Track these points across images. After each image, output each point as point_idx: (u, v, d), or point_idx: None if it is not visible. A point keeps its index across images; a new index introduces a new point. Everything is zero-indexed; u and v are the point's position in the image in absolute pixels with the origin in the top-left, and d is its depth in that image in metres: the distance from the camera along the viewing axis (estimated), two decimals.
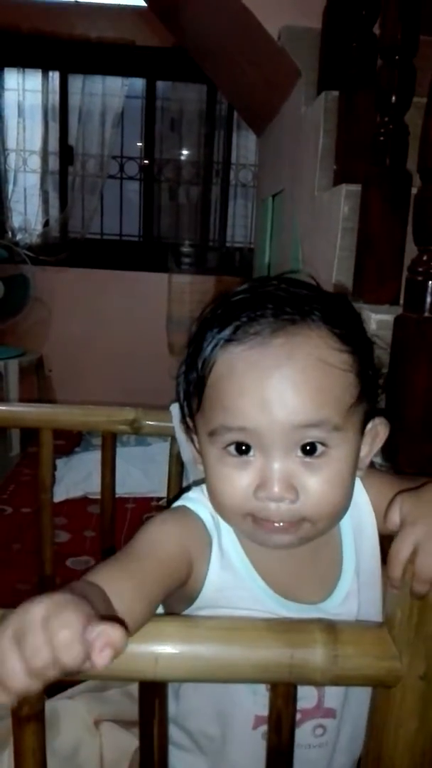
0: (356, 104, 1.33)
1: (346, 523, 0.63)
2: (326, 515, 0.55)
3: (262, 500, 0.53)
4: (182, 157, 3.78)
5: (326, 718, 0.61)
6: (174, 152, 3.76)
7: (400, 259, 1.13)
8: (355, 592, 0.61)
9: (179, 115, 3.68)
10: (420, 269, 0.93)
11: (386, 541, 0.59)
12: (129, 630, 0.41)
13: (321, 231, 1.48)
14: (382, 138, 1.13)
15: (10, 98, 3.55)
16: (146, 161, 3.76)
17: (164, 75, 3.59)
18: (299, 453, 0.53)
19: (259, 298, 0.55)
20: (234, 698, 0.59)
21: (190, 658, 0.47)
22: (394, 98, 1.11)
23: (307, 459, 0.53)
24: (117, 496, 1.22)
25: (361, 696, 0.56)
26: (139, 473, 2.46)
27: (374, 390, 0.59)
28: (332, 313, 0.55)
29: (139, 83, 3.63)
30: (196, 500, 0.62)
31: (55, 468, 2.75)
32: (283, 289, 0.56)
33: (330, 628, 0.47)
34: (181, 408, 0.62)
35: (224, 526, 0.61)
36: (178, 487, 1.13)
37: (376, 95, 1.15)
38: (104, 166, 3.62)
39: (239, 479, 0.54)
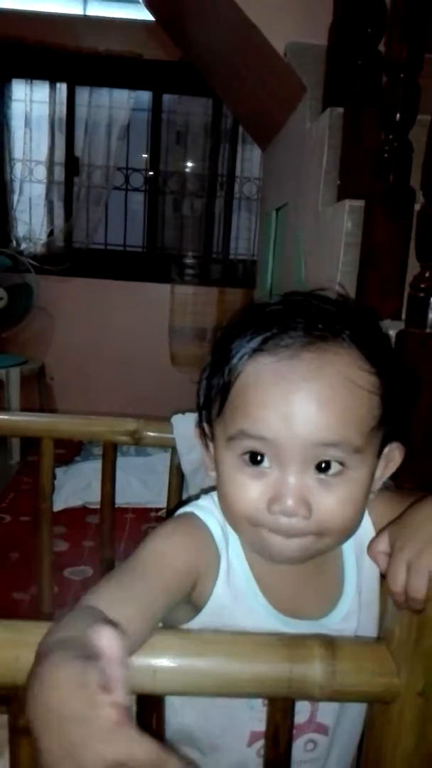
0: (361, 121, 1.34)
1: (348, 543, 0.63)
2: (335, 534, 0.55)
3: (275, 513, 0.53)
4: (187, 170, 3.80)
5: (318, 734, 0.61)
6: (179, 165, 3.78)
7: (403, 274, 1.14)
8: (355, 611, 0.61)
9: (185, 128, 3.71)
10: (422, 285, 0.94)
11: None
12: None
13: (324, 245, 1.49)
14: (386, 155, 1.14)
15: (18, 109, 3.57)
16: (151, 173, 3.79)
17: (170, 88, 3.63)
18: (315, 470, 0.53)
19: (291, 312, 0.56)
20: (230, 713, 0.59)
21: (189, 671, 0.47)
22: (398, 116, 1.12)
23: (323, 476, 0.53)
24: (116, 506, 1.22)
25: (355, 712, 0.56)
26: (139, 484, 2.45)
27: (395, 414, 0.58)
28: (362, 332, 0.56)
29: (145, 96, 3.66)
30: (207, 509, 0.61)
31: (54, 477, 2.75)
32: (315, 306, 0.57)
33: (329, 643, 0.47)
34: (200, 413, 0.61)
35: (233, 538, 0.60)
36: (177, 499, 1.13)
37: (381, 113, 1.16)
38: (109, 178, 3.65)
39: (253, 488, 0.54)
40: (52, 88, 3.55)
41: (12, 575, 1.88)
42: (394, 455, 0.60)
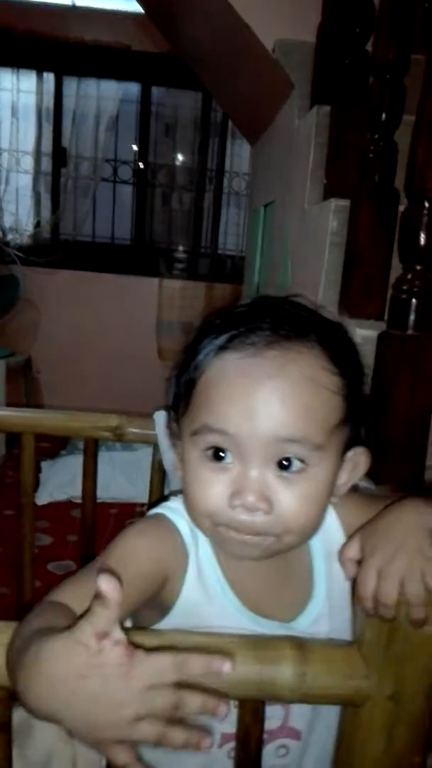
0: (348, 120, 1.35)
1: (317, 548, 0.63)
2: (295, 531, 0.55)
3: (236, 508, 0.53)
4: (176, 163, 3.79)
5: (290, 739, 0.61)
6: (168, 157, 3.77)
7: (387, 275, 1.15)
8: (326, 615, 0.62)
9: (174, 121, 3.70)
10: (404, 287, 0.95)
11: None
12: None
13: (310, 244, 1.49)
14: (371, 155, 1.15)
15: (5, 98, 3.54)
16: (140, 165, 3.77)
17: (159, 80, 3.61)
18: (277, 466, 0.54)
19: (259, 313, 0.57)
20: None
21: None
22: (384, 116, 1.12)
23: (284, 473, 0.54)
24: (101, 501, 1.22)
25: (329, 718, 0.57)
26: (124, 479, 2.45)
27: (359, 418, 0.59)
28: (328, 336, 0.57)
29: (134, 88, 3.64)
30: (176, 510, 0.61)
31: (39, 471, 2.74)
32: (284, 308, 0.58)
33: (299, 645, 0.47)
34: (169, 412, 0.63)
35: (202, 539, 0.61)
36: (159, 494, 1.13)
37: (367, 112, 1.16)
38: (97, 169, 3.63)
39: (215, 484, 0.55)
40: (40, 77, 3.52)
41: None
42: (359, 460, 0.61)
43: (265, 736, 0.52)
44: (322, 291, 1.32)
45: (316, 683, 0.47)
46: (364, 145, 1.17)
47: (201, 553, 0.61)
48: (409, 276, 0.94)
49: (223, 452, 0.54)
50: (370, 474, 0.97)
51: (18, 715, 0.92)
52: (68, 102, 3.57)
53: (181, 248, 3.83)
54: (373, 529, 0.54)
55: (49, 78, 3.56)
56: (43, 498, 2.45)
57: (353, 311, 1.17)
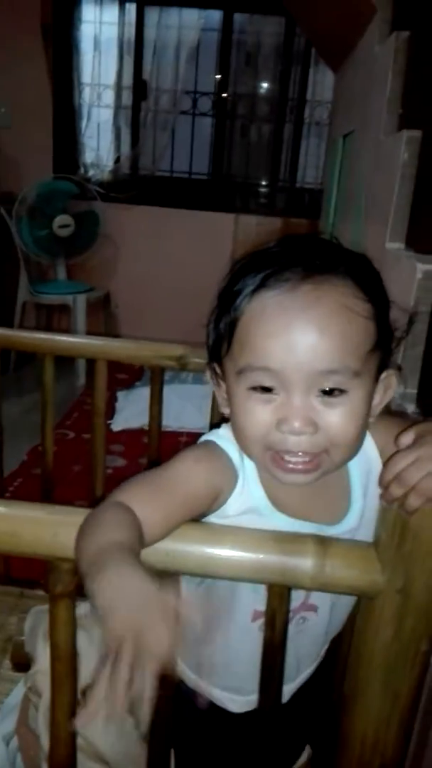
0: (427, 47, 1.29)
1: (354, 468, 0.68)
2: (342, 446, 0.60)
3: (284, 433, 0.58)
4: (256, 93, 3.69)
5: (309, 612, 0.69)
6: (248, 88, 3.68)
7: None
8: (353, 531, 0.67)
9: (255, 49, 3.58)
10: None
11: None
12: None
13: (382, 176, 1.47)
14: None
15: (87, 31, 3.53)
16: (221, 95, 3.70)
17: (242, 7, 3.49)
18: (319, 393, 0.58)
19: (289, 251, 0.61)
20: (236, 594, 0.67)
21: (199, 556, 0.55)
22: None
23: (326, 398, 0.58)
24: (172, 430, 1.30)
25: (344, 599, 0.63)
26: (194, 409, 2.55)
27: (389, 342, 0.63)
28: (356, 267, 0.60)
29: (215, 15, 3.54)
30: (225, 437, 0.66)
31: (116, 399, 2.89)
32: (312, 244, 0.62)
33: (321, 542, 0.54)
34: (209, 352, 0.67)
35: (248, 462, 0.66)
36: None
37: None
38: (177, 102, 3.60)
39: (263, 414, 0.59)
40: (122, 8, 3.48)
41: (74, 485, 2.04)
42: (390, 381, 0.65)
43: (290, 614, 0.59)
44: (390, 226, 1.31)
45: (334, 574, 0.53)
46: None
47: (247, 473, 0.66)
48: None
49: (268, 387, 0.59)
50: (423, 405, 1.00)
51: (88, 604, 1.04)
52: (149, 33, 3.53)
53: (258, 182, 3.78)
54: (428, 429, 0.57)
55: (131, 8, 3.51)
56: (118, 425, 2.60)
57: (420, 246, 1.17)
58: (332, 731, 0.63)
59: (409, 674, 0.55)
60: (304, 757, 0.91)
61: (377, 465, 0.68)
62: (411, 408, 1.01)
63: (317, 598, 0.68)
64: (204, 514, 0.65)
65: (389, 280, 1.25)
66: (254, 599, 0.65)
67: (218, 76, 3.67)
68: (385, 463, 0.56)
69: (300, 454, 0.59)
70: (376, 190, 1.54)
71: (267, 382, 0.58)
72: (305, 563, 0.53)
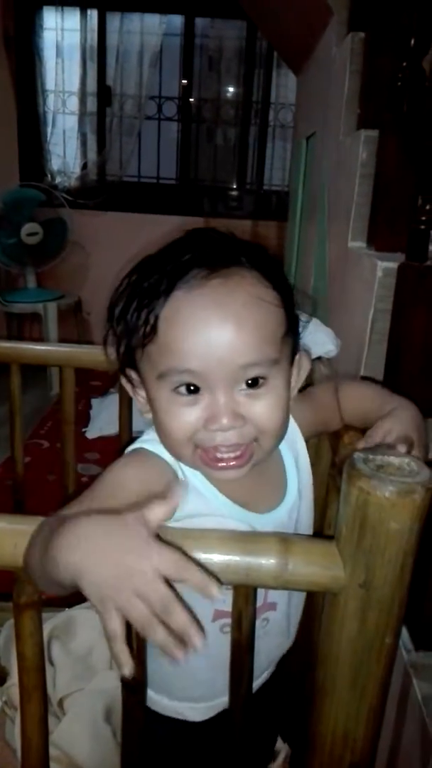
0: (382, 47, 1.31)
1: (284, 448, 0.70)
2: (271, 433, 0.61)
3: (213, 432, 0.59)
4: (221, 97, 3.71)
5: (270, 611, 0.69)
6: (212, 92, 3.69)
7: (414, 207, 1.14)
8: (297, 505, 0.70)
9: (218, 54, 3.60)
10: (423, 218, 0.95)
11: None
12: None
13: (343, 176, 1.48)
14: (399, 83, 1.13)
15: (49, 38, 3.52)
16: (186, 100, 3.70)
17: (203, 11, 3.51)
18: (243, 387, 0.59)
19: (190, 250, 0.60)
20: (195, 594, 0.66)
21: None
22: (412, 41, 1.10)
23: (250, 391, 0.59)
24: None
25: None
26: None
27: (296, 327, 0.65)
28: (257, 257, 0.61)
29: (177, 20, 3.56)
30: (154, 441, 0.65)
31: (90, 407, 2.87)
32: (211, 238, 0.63)
33: (283, 540, 0.54)
34: (121, 360, 0.65)
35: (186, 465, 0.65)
36: None
37: (396, 38, 1.13)
38: (142, 107, 3.60)
39: (188, 415, 0.59)
40: (83, 15, 3.48)
41: (47, 494, 2.02)
42: (303, 363, 0.67)
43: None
44: (351, 225, 1.32)
45: (297, 572, 0.53)
46: (393, 73, 1.14)
47: (186, 470, 0.65)
48: (428, 207, 0.95)
49: (192, 386, 0.59)
50: None
51: (64, 615, 1.04)
52: (111, 39, 3.53)
53: (226, 185, 3.79)
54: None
55: (93, 15, 3.51)
56: (93, 432, 2.59)
57: (380, 244, 1.18)
58: (304, 728, 0.64)
59: (376, 668, 0.55)
60: (282, 756, 0.91)
61: (301, 443, 0.73)
62: None
63: (275, 594, 0.69)
64: None
65: (352, 278, 1.27)
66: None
67: (184, 81, 3.68)
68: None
69: (230, 449, 0.60)
70: (338, 190, 1.56)
71: (190, 381, 0.58)
72: (268, 562, 0.53)
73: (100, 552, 0.45)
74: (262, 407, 0.59)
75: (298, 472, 0.71)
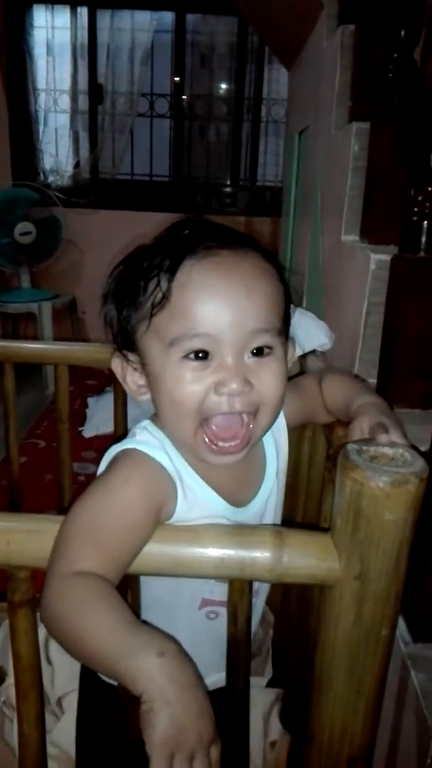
0: (372, 39, 1.30)
1: (266, 436, 0.71)
2: (271, 404, 0.62)
3: (223, 395, 0.58)
4: (213, 93, 3.70)
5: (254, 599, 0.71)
6: (204, 88, 3.68)
7: (407, 199, 1.14)
8: (274, 490, 0.71)
9: (209, 50, 3.59)
10: (415, 209, 0.95)
11: None
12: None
13: (335, 170, 1.48)
14: (390, 75, 1.12)
15: (40, 36, 3.51)
16: (178, 97, 3.69)
17: (193, 7, 3.50)
18: (250, 354, 0.60)
19: (192, 230, 0.62)
20: (184, 583, 0.65)
21: (159, 555, 0.54)
22: (402, 33, 1.09)
23: (257, 359, 0.60)
24: None
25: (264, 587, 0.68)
26: None
27: (289, 312, 0.67)
28: (253, 242, 0.64)
29: (168, 17, 3.54)
30: (150, 443, 0.63)
31: (86, 405, 2.87)
32: (209, 227, 0.64)
33: (278, 533, 0.53)
34: (118, 342, 0.65)
35: (177, 459, 0.64)
36: None
37: (387, 30, 1.13)
38: (134, 105, 3.59)
39: (198, 380, 0.59)
40: (73, 13, 3.46)
41: (44, 493, 2.02)
42: (290, 351, 0.68)
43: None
44: (344, 218, 1.32)
45: (292, 565, 0.53)
46: (384, 64, 1.14)
47: (182, 472, 0.64)
48: (420, 198, 0.94)
49: (203, 352, 0.59)
50: (382, 395, 1.01)
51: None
52: (102, 36, 3.51)
53: (219, 182, 3.78)
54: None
55: (83, 12, 3.49)
56: (89, 431, 2.58)
57: (374, 236, 1.18)
58: (303, 721, 0.63)
59: (372, 660, 0.55)
60: (283, 744, 0.91)
61: (283, 427, 0.75)
62: None
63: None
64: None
65: (346, 271, 1.27)
66: (201, 588, 0.65)
67: (176, 78, 3.67)
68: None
69: (229, 439, 0.60)
70: (330, 184, 1.55)
71: (202, 345, 0.58)
72: (264, 556, 0.52)
73: (190, 695, 0.47)
74: (267, 375, 0.60)
75: (278, 458, 0.72)
